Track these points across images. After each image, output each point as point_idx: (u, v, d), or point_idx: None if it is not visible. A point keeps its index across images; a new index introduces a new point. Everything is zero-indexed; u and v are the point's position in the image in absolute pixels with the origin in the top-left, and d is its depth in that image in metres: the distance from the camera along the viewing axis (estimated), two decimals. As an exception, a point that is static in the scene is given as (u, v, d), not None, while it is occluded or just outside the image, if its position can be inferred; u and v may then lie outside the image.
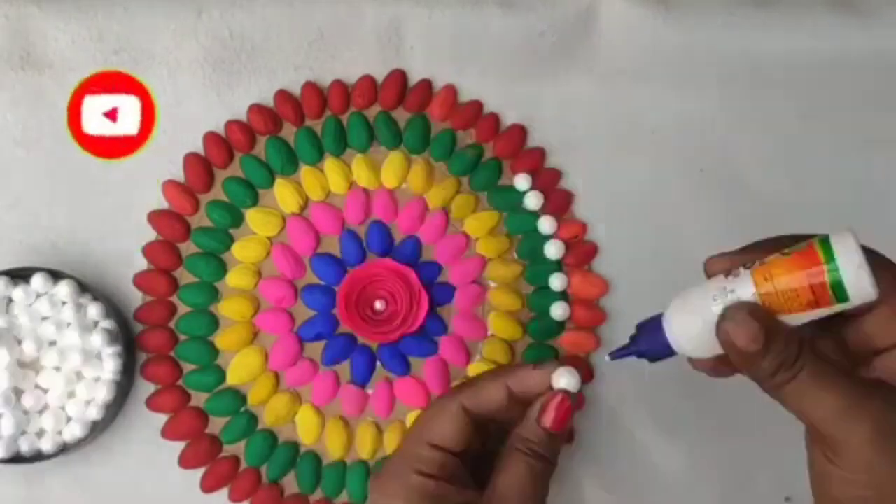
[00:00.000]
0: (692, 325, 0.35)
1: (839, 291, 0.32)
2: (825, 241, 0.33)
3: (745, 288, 0.34)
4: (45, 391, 0.48)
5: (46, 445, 0.48)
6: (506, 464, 0.38)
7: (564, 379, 0.39)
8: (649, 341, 0.37)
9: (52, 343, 0.48)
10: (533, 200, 0.52)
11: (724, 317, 0.34)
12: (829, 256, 0.32)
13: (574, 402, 0.39)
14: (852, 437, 0.33)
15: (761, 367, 0.33)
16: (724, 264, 0.36)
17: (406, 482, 0.38)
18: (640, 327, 0.37)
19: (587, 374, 0.52)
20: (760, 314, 0.33)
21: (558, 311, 0.52)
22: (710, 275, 0.36)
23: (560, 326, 0.52)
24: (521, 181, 0.52)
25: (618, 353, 0.38)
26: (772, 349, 0.33)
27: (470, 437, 0.39)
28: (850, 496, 0.33)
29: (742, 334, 0.33)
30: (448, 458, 0.39)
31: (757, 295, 0.33)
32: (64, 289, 0.48)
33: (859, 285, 0.32)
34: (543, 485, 0.39)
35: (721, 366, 0.36)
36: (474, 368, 0.51)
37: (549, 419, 0.38)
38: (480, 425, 0.40)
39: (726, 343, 0.34)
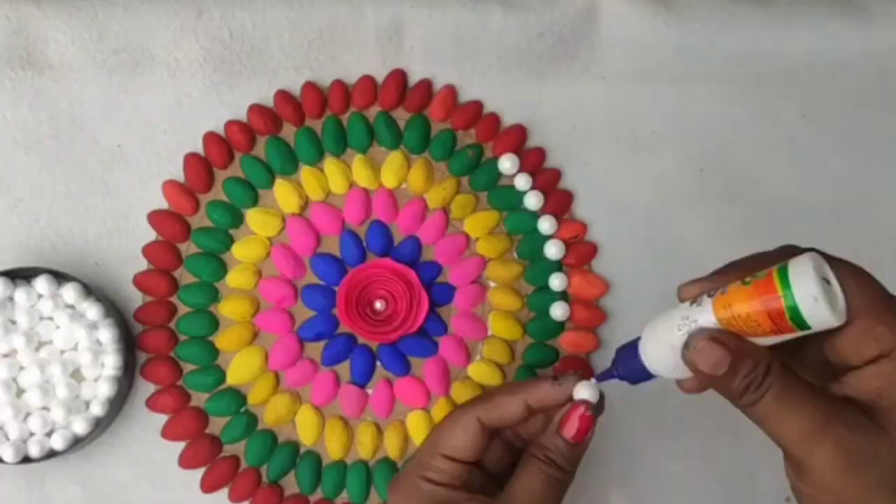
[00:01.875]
0: (663, 353, 0.36)
1: (798, 320, 0.32)
2: (783, 270, 0.32)
3: (705, 316, 0.34)
4: (47, 391, 0.48)
5: (49, 444, 0.48)
6: (523, 470, 0.39)
7: (586, 392, 0.39)
8: (628, 366, 0.37)
9: (53, 343, 0.49)
10: (533, 200, 0.52)
11: (686, 345, 0.34)
12: (786, 286, 0.32)
13: (597, 412, 0.39)
14: (816, 459, 0.33)
15: (731, 389, 0.34)
16: (694, 290, 0.36)
17: (417, 488, 0.39)
18: (619, 352, 0.38)
19: (587, 373, 0.52)
20: (726, 338, 0.34)
21: (558, 311, 0.52)
22: (682, 300, 0.36)
23: (560, 326, 0.52)
24: (521, 181, 0.52)
25: (601, 377, 0.39)
26: (739, 371, 0.33)
27: (483, 447, 0.40)
28: None
29: (705, 361, 0.34)
30: (461, 468, 0.39)
31: (717, 323, 0.34)
32: (65, 290, 0.48)
33: (818, 314, 0.32)
34: (558, 496, 0.39)
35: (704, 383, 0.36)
36: (474, 368, 0.51)
37: (570, 431, 0.38)
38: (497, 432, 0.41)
39: (694, 369, 0.34)
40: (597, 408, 0.39)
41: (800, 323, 0.32)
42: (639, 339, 0.37)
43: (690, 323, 0.34)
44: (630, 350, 0.37)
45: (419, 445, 0.42)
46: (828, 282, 0.32)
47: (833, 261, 0.33)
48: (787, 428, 0.33)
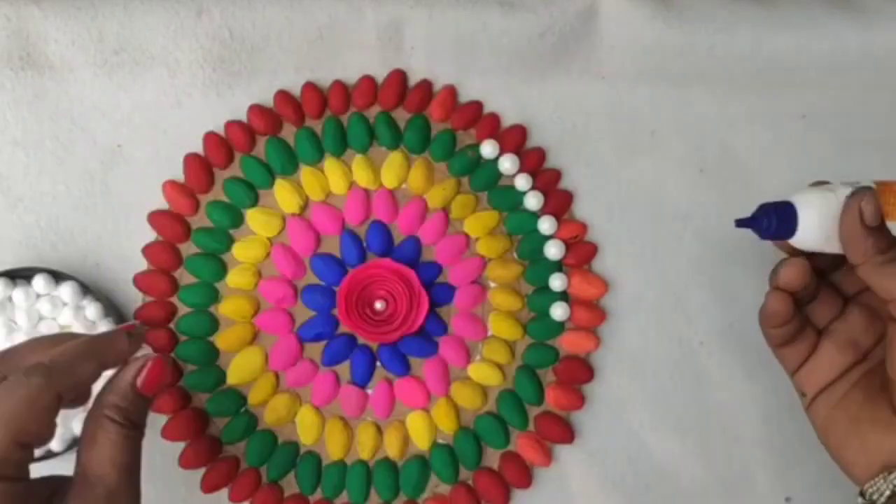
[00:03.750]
0: (823, 203, 0.40)
1: None
2: None
3: (867, 184, 0.40)
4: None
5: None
6: (94, 435, 0.37)
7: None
8: (777, 215, 0.40)
9: (52, 343, 0.49)
10: (533, 200, 0.52)
11: (854, 193, 0.39)
12: None
13: (165, 366, 0.40)
14: None
15: (874, 243, 0.39)
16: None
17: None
18: (764, 206, 0.41)
19: (587, 373, 0.52)
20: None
21: (558, 311, 0.52)
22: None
23: (560, 326, 0.52)
24: (521, 181, 0.52)
25: (742, 222, 0.42)
26: (885, 231, 0.39)
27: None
28: None
29: (870, 210, 0.39)
30: (31, 453, 0.36)
31: (875, 191, 0.39)
32: (65, 290, 0.48)
33: None
34: (139, 454, 0.38)
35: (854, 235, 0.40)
36: (474, 369, 0.52)
37: (145, 381, 0.39)
38: None
39: (850, 217, 0.39)
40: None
41: None
42: (787, 201, 0.41)
43: (854, 183, 0.40)
44: (781, 205, 0.41)
45: None
46: None
47: None
48: None
